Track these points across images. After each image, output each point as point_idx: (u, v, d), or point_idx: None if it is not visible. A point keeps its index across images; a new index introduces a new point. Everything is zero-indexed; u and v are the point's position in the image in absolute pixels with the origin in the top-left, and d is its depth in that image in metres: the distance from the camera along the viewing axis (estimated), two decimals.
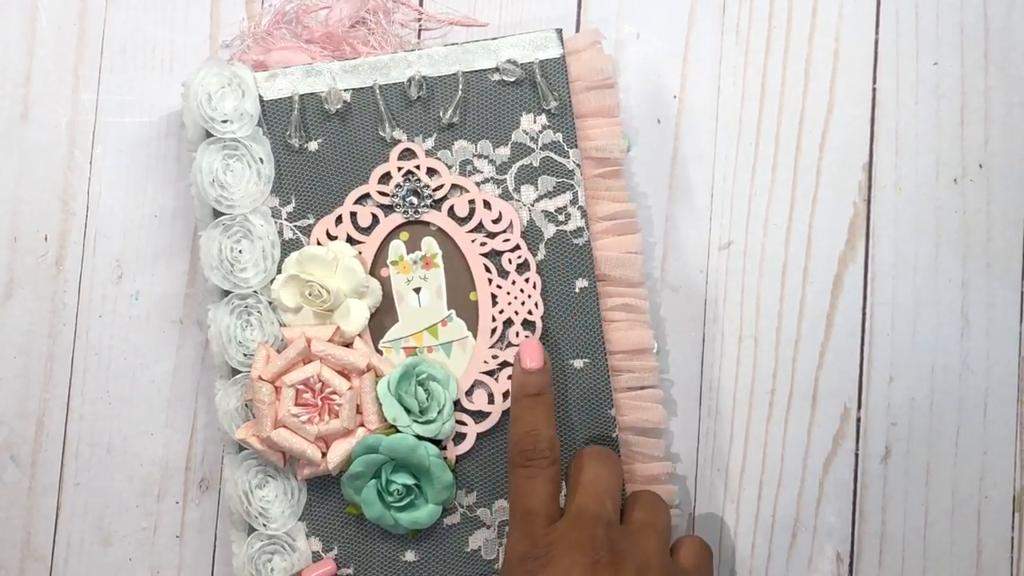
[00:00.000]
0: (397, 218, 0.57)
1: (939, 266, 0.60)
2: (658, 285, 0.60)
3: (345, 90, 0.57)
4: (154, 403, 0.60)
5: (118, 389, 0.60)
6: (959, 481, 0.60)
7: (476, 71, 0.57)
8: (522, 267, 0.57)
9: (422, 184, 0.57)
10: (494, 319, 0.57)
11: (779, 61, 0.61)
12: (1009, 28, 0.61)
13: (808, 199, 0.60)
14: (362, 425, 0.56)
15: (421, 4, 0.61)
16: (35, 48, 0.61)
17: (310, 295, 0.56)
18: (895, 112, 0.61)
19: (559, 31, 0.57)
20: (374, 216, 0.57)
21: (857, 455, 0.60)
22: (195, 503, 0.60)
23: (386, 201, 0.57)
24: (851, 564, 0.60)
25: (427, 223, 0.57)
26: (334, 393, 0.55)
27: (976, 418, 0.60)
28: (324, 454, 0.55)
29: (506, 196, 0.57)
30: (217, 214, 0.57)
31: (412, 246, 0.57)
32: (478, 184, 0.57)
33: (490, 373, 0.57)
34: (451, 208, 0.57)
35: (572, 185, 0.57)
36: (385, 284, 0.57)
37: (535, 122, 0.57)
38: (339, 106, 0.57)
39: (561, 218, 0.57)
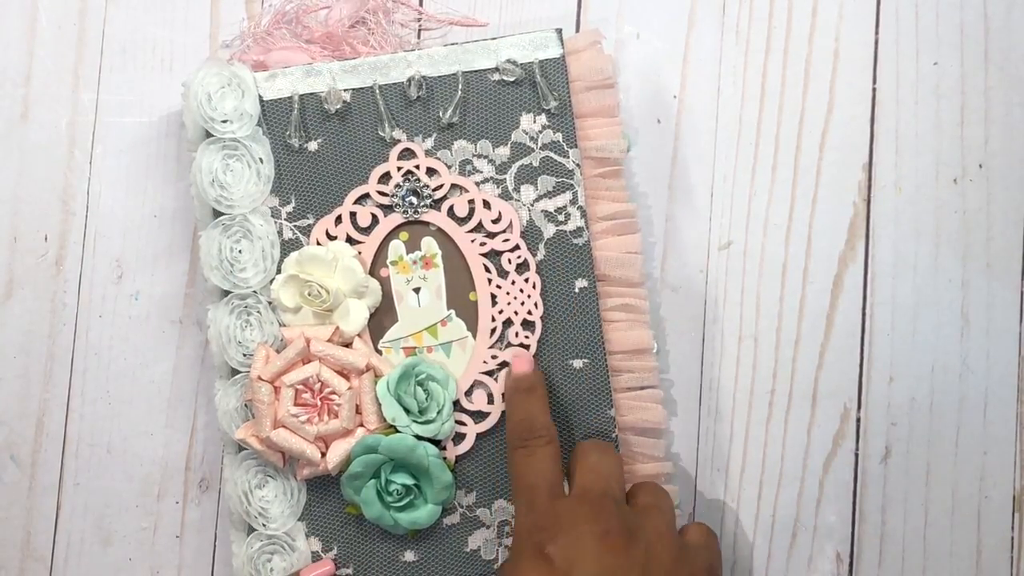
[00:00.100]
0: (397, 218, 0.57)
1: (939, 266, 0.60)
2: (658, 285, 0.60)
3: (345, 90, 0.57)
4: (154, 403, 0.60)
5: (118, 389, 0.60)
6: (959, 481, 0.60)
7: (476, 71, 0.57)
8: (522, 267, 0.57)
9: (422, 184, 0.57)
10: (494, 319, 0.57)
11: (779, 61, 0.61)
12: (1009, 28, 0.61)
13: (808, 199, 0.60)
14: (361, 425, 0.56)
15: (421, 4, 0.61)
16: (35, 48, 0.61)
17: (310, 295, 0.56)
18: (895, 112, 0.61)
19: (559, 31, 0.57)
20: (374, 216, 0.57)
21: (857, 455, 0.60)
22: (195, 503, 0.60)
23: (386, 201, 0.57)
24: (851, 564, 0.59)
25: (427, 223, 0.57)
26: (333, 393, 0.55)
27: (976, 418, 0.60)
28: (323, 454, 0.55)
29: (506, 196, 0.57)
30: (217, 214, 0.57)
31: (412, 246, 0.57)
32: (478, 184, 0.57)
33: (489, 373, 0.57)
34: (451, 208, 0.57)
35: (572, 185, 0.57)
36: (385, 284, 0.57)
37: (535, 122, 0.57)
38: (339, 106, 0.57)
39: (561, 218, 0.57)
